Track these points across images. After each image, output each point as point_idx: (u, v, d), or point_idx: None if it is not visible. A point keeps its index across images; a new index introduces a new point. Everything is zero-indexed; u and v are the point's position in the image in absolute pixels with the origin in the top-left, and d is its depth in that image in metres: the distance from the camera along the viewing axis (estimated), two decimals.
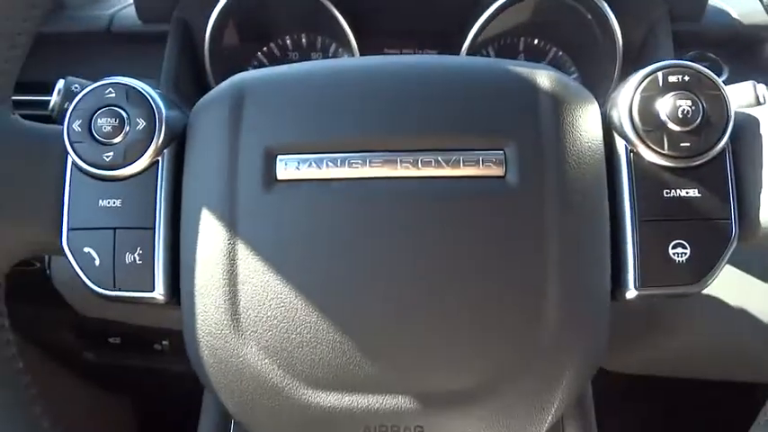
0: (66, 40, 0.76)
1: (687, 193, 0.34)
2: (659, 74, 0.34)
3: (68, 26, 0.77)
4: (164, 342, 0.81)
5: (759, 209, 0.33)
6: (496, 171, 0.33)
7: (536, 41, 0.77)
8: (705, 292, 0.55)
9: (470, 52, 0.72)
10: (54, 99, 0.42)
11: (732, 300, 0.51)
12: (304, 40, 0.79)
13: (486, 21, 0.69)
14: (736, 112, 0.35)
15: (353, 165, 0.34)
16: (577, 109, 0.35)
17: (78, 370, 0.86)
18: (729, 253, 0.34)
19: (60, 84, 0.42)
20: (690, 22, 0.68)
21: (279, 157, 0.34)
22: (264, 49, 0.79)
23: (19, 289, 0.72)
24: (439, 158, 0.34)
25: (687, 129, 0.34)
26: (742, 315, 0.50)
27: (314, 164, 0.34)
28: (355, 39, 0.71)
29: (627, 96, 0.35)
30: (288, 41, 0.79)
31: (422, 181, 0.33)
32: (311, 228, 0.33)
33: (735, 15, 0.69)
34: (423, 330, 0.33)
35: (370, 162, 0.34)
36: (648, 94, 0.34)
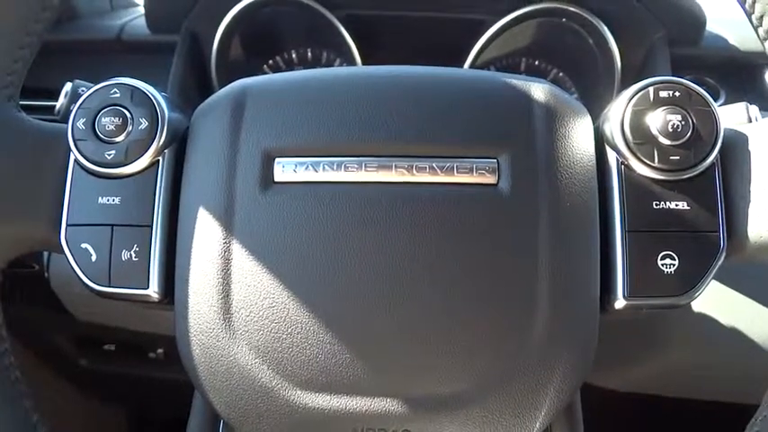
0: (78, 48, 0.78)
1: (676, 205, 0.34)
2: (650, 89, 0.35)
3: (80, 34, 0.79)
4: (158, 350, 0.81)
5: (747, 222, 0.34)
6: (489, 179, 0.34)
7: (536, 62, 0.78)
8: (696, 309, 0.56)
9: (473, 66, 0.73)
10: (60, 101, 0.43)
11: (723, 318, 0.51)
12: (309, 55, 0.80)
13: (487, 41, 0.70)
14: (725, 129, 0.36)
15: (349, 169, 0.34)
16: (570, 121, 0.36)
17: (73, 377, 0.86)
18: (717, 265, 0.34)
19: (68, 86, 0.43)
20: (688, 47, 0.69)
21: (277, 159, 0.35)
22: (270, 62, 0.80)
23: (16, 291, 0.73)
24: (433, 165, 0.34)
25: (677, 143, 0.34)
26: (733, 334, 0.50)
27: (311, 167, 0.34)
28: (360, 54, 0.72)
29: (619, 110, 0.35)
30: (293, 55, 0.81)
31: (416, 186, 0.34)
32: (306, 230, 0.33)
33: (732, 41, 0.71)
34: (413, 335, 0.33)
35: (365, 166, 0.34)
36: (640, 109, 0.35)
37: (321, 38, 0.76)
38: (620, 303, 0.34)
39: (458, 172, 0.34)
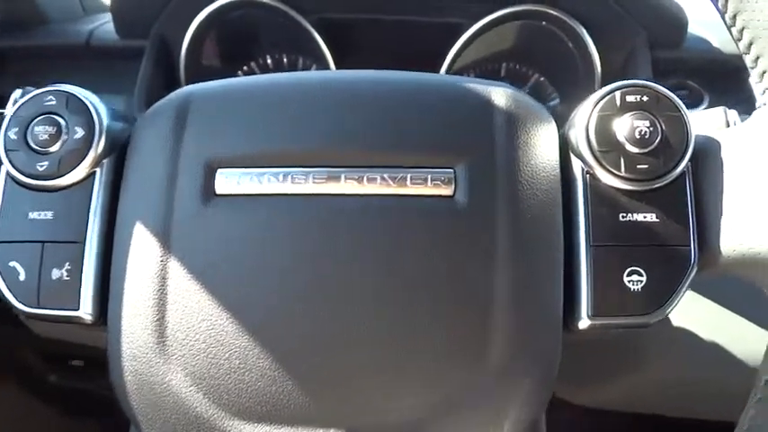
0: (46, 54, 0.76)
1: (644, 217, 0.32)
2: (617, 93, 0.33)
3: (49, 39, 0.77)
4: None
5: (719, 235, 0.32)
6: (445, 190, 0.32)
7: (517, 66, 0.76)
8: (676, 325, 0.54)
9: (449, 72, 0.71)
10: (7, 108, 0.41)
11: (701, 332, 0.49)
12: (285, 60, 0.78)
13: (463, 45, 0.68)
14: (697, 135, 0.34)
15: (296, 180, 0.32)
16: (533, 128, 0.34)
17: (42, 394, 0.84)
18: (688, 281, 0.32)
19: (16, 93, 0.41)
20: (669, 50, 0.67)
21: (219, 170, 0.32)
22: (245, 68, 0.78)
23: None
24: (385, 175, 0.32)
25: (645, 150, 0.32)
26: (714, 350, 0.48)
27: (255, 178, 0.32)
28: (336, 60, 0.70)
29: (584, 116, 0.33)
30: (269, 61, 0.79)
31: (366, 199, 0.32)
32: (248, 246, 0.31)
33: (715, 43, 0.69)
34: (361, 360, 0.31)
35: (313, 178, 0.32)
36: (606, 114, 0.33)
37: (295, 43, 0.74)
38: (583, 323, 0.32)
39: (411, 183, 0.32)
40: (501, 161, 0.32)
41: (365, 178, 0.32)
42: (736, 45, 0.33)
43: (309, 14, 0.68)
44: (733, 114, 0.41)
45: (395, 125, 0.33)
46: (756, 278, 0.32)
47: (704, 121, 0.40)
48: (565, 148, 0.34)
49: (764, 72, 0.33)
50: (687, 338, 0.49)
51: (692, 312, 0.49)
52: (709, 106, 0.69)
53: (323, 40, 0.69)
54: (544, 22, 0.70)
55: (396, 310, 0.31)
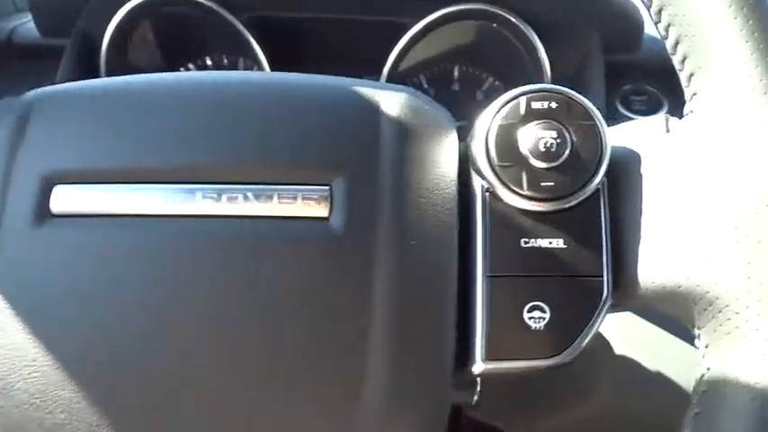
0: None
1: (550, 243, 0.28)
2: (522, 99, 0.29)
3: None
4: None
5: (636, 264, 0.27)
6: (319, 211, 0.27)
7: (470, 69, 0.72)
8: (618, 352, 0.49)
9: (395, 78, 0.67)
10: None
11: (647, 361, 0.44)
12: (225, 61, 0.74)
13: (407, 44, 0.64)
14: (615, 147, 0.29)
15: (144, 198, 0.27)
16: (428, 139, 0.29)
17: None
18: (600, 318, 0.27)
19: None
20: (626, 53, 0.63)
21: (57, 186, 0.28)
22: (182, 69, 0.74)
23: None
24: (248, 194, 0.27)
25: (551, 165, 0.28)
26: (658, 379, 0.44)
27: (94, 196, 0.27)
28: (274, 63, 0.66)
29: (484, 125, 0.29)
30: (208, 62, 0.74)
31: (224, 221, 0.27)
32: (83, 275, 0.27)
33: None
34: (215, 416, 0.26)
35: (164, 196, 0.27)
36: (508, 123, 0.28)
37: (232, 43, 0.69)
38: (477, 368, 0.27)
39: (279, 201, 0.27)
40: (387, 176, 0.28)
41: (224, 196, 0.27)
42: (664, 43, 0.29)
43: (240, 12, 0.64)
44: (675, 122, 0.37)
45: (262, 134, 0.28)
46: (678, 313, 0.28)
47: (644, 129, 0.36)
48: (467, 162, 0.30)
49: (692, 75, 0.29)
50: (630, 366, 0.45)
51: (635, 336, 0.45)
52: (669, 112, 0.65)
53: (257, 39, 0.64)
54: (495, 24, 0.66)
55: (252, 355, 0.26)
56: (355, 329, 0.26)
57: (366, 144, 0.28)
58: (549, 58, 0.62)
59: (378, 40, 0.67)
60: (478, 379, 0.31)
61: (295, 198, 0.27)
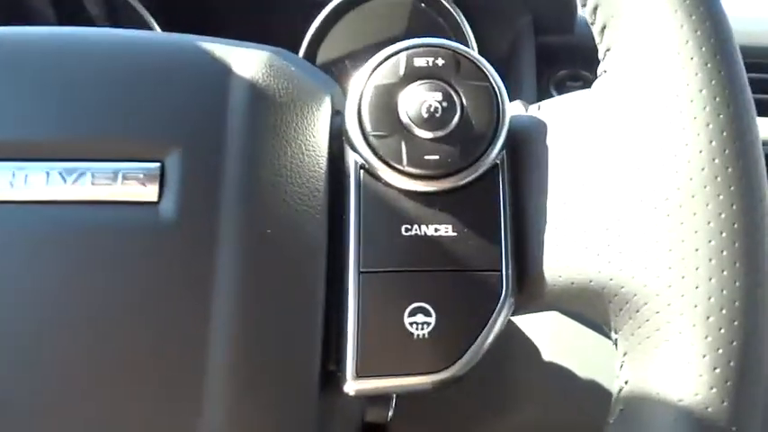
0: None
1: (436, 230, 0.23)
2: (402, 56, 0.24)
3: None
4: None
5: (541, 256, 0.23)
6: (146, 194, 0.22)
7: None
8: (548, 359, 0.45)
9: (311, 58, 0.62)
10: None
11: (581, 369, 0.40)
12: None
13: (325, 23, 0.59)
14: (516, 116, 0.25)
15: None
16: (291, 106, 0.24)
17: None
18: (499, 322, 0.22)
19: None
20: (559, 35, 0.59)
21: None
22: None
23: None
24: (56, 171, 0.21)
25: (437, 135, 0.23)
26: (591, 388, 0.40)
27: None
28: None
29: (356, 89, 0.24)
30: None
31: (26, 207, 0.21)
32: None
33: None
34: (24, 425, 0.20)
35: None
36: (385, 84, 0.23)
37: (127, 17, 0.63)
38: (349, 387, 0.22)
39: (94, 183, 0.22)
40: (234, 152, 0.22)
41: (26, 176, 0.21)
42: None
43: None
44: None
45: (77, 101, 0.22)
46: (593, 314, 0.23)
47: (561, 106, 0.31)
48: (338, 134, 0.24)
49: (604, 27, 0.24)
50: (562, 376, 0.40)
51: (568, 341, 0.40)
52: None
53: (151, 11, 0.58)
54: (423, 5, 0.61)
55: (62, 380, 0.20)
56: (189, 348, 0.20)
57: (211, 112, 0.23)
58: (478, 39, 0.58)
59: (293, 17, 0.62)
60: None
61: (114, 177, 0.22)
